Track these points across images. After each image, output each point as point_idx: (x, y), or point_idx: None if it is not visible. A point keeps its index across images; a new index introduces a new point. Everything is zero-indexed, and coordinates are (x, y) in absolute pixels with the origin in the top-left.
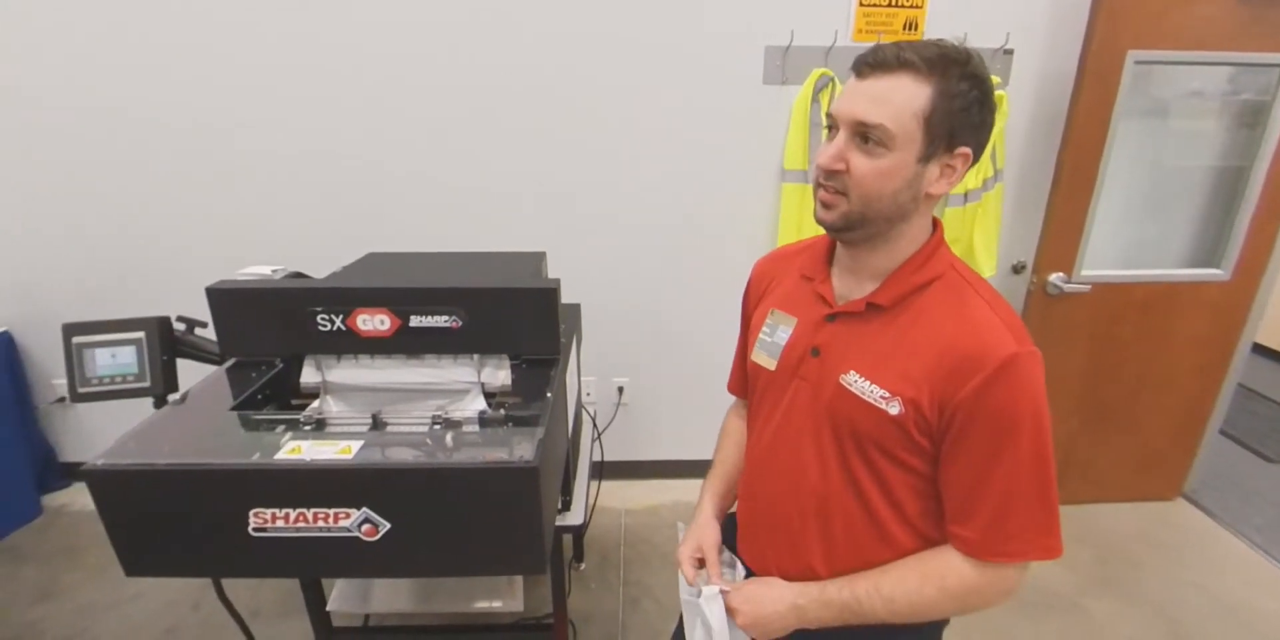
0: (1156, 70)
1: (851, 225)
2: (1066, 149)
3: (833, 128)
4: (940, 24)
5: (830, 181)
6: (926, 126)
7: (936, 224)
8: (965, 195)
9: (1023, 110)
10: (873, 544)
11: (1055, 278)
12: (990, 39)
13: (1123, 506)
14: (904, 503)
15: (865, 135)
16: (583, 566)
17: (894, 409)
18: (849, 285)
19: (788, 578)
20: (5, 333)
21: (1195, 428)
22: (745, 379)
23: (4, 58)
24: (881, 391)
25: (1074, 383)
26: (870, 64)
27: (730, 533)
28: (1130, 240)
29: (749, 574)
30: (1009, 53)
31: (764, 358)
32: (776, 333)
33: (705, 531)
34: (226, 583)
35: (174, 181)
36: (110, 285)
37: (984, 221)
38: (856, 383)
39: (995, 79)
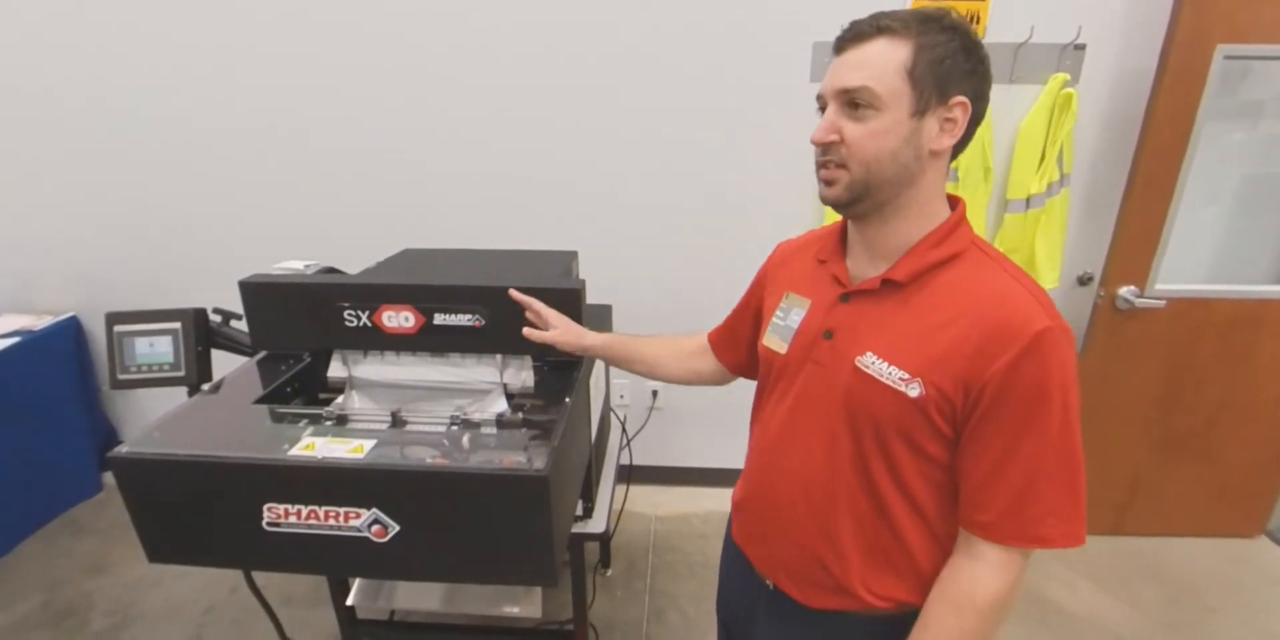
0: (1250, 67)
1: (858, 196)
2: (1143, 152)
3: (823, 109)
4: (1005, 17)
5: (828, 156)
6: (912, 79)
7: (957, 202)
8: (1027, 201)
9: (1094, 110)
10: (884, 540)
11: (1126, 291)
12: (1060, 33)
13: (1196, 542)
14: (919, 496)
15: (853, 102)
16: (609, 572)
17: (914, 391)
18: (863, 265)
19: (796, 578)
20: (73, 317)
21: None
22: (728, 337)
23: (71, 70)
24: (901, 373)
25: (1144, 406)
26: (848, 38)
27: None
28: (1214, 253)
29: None
30: (1080, 48)
31: (775, 341)
32: (790, 316)
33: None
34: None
35: (230, 178)
36: (167, 275)
37: (1047, 229)
38: (874, 364)
39: (1064, 76)
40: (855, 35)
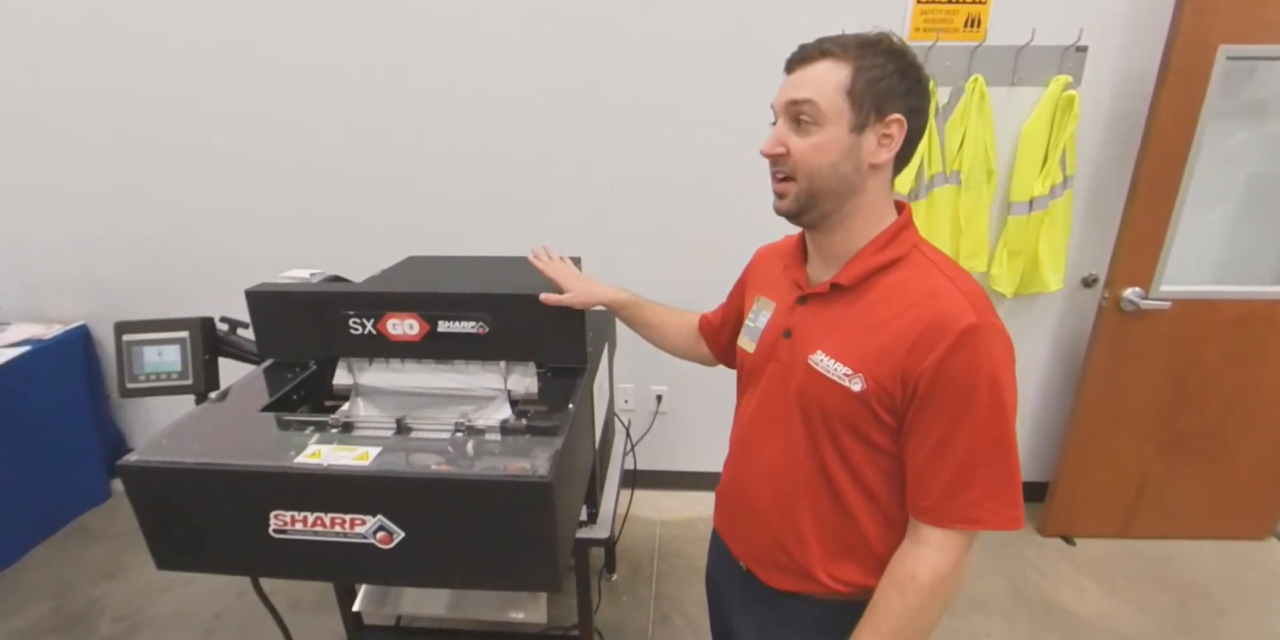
0: (1255, 66)
1: (804, 206)
2: (1146, 154)
3: (775, 123)
4: (1006, 20)
5: (777, 167)
6: (851, 98)
7: (903, 208)
8: (1031, 203)
9: (1097, 112)
10: (841, 527)
11: (1131, 293)
12: (1061, 35)
13: (1205, 544)
14: (871, 485)
15: (799, 116)
16: (614, 577)
17: (856, 386)
18: (818, 270)
19: (763, 562)
20: (82, 325)
21: None
22: (713, 330)
23: (83, 79)
24: (845, 369)
25: (1150, 408)
26: (795, 60)
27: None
28: (1220, 253)
29: None
30: (1082, 50)
31: (746, 342)
32: (759, 318)
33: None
34: (266, 578)
35: (234, 181)
36: (173, 280)
37: (1051, 231)
38: (822, 362)
39: (1066, 78)
40: (802, 57)
